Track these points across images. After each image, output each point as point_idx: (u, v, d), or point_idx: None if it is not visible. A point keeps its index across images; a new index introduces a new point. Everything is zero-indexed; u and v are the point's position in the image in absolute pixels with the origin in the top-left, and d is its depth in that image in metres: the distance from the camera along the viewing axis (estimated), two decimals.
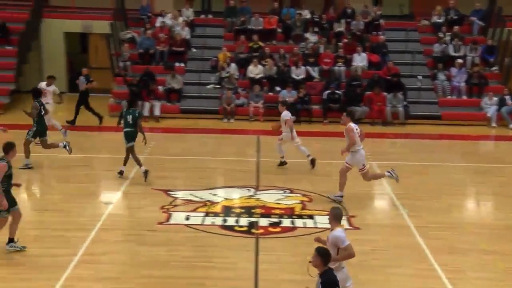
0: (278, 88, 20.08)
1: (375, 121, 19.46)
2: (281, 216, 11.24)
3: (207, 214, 11.23)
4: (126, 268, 9.04)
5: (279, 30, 22.30)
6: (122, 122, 13.18)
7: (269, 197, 12.22)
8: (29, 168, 13.43)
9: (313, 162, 13.90)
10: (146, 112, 18.90)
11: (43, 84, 16.38)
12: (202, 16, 23.12)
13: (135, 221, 10.86)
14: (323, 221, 10.86)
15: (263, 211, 11.48)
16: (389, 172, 12.02)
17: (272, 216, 11.24)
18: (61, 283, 8.45)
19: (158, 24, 21.91)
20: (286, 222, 10.99)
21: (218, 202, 11.90)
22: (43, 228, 10.36)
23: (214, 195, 12.32)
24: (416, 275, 9.03)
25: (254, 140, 17.13)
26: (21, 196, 12.51)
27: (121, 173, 13.03)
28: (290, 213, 11.43)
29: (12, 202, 9.19)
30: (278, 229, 10.70)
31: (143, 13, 22.37)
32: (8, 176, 9.03)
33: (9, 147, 9.24)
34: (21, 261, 9.11)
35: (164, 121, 19.00)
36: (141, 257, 9.38)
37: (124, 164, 13.04)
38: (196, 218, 10.99)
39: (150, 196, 12.10)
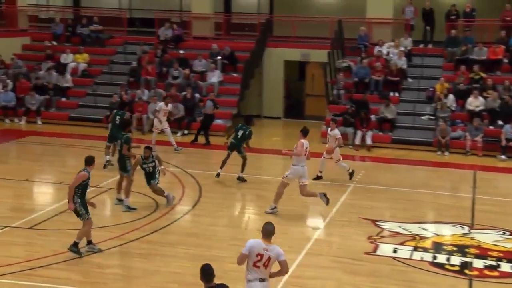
0: (500, 122, 18.77)
1: None
2: (499, 259, 10.41)
3: (416, 248, 10.83)
4: None
5: (505, 60, 20.89)
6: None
7: (486, 237, 11.41)
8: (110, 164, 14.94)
9: (351, 174, 14.90)
10: (357, 141, 18.95)
11: (162, 104, 17.49)
12: (421, 46, 22.62)
13: (341, 248, 10.85)
14: None
15: (478, 251, 10.75)
16: (321, 194, 12.37)
17: (489, 258, 10.46)
18: None
19: (375, 53, 21.94)
20: (506, 267, 10.14)
21: (428, 237, 11.42)
22: None
23: (424, 229, 11.84)
24: None
25: (469, 175, 16.17)
26: (237, 215, 13.31)
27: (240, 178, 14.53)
28: (510, 257, 10.52)
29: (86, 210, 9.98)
30: (495, 273, 9.92)
31: (360, 42, 22.58)
32: (85, 185, 9.86)
33: (92, 160, 10.05)
34: (232, 276, 9.60)
35: (375, 150, 18.84)
36: (345, 286, 9.34)
37: (221, 167, 14.48)
38: (404, 252, 10.66)
39: (358, 224, 12.04)
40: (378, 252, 10.66)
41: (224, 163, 14.60)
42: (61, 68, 22.61)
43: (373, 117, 19.55)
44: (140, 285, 9.25)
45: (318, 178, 14.94)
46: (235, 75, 22.32)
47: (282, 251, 7.16)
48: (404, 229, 11.79)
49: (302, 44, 23.40)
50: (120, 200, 12.69)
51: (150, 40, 23.79)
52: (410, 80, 21.24)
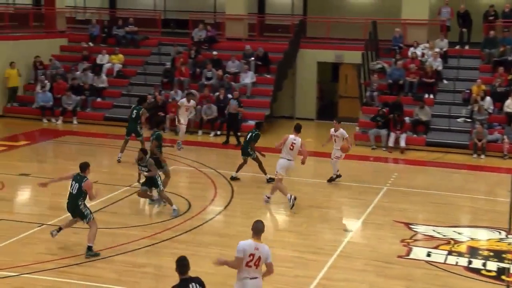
0: None
1: None
2: None
3: (450, 252, 10.67)
4: None
5: None
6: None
7: None
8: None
9: (336, 178, 14.66)
10: (391, 143, 18.76)
11: (184, 101, 17.92)
12: (457, 47, 22.29)
13: (374, 251, 10.75)
14: None
15: None
16: (290, 196, 12.53)
17: None
18: None
19: (409, 54, 21.71)
20: None
21: (463, 242, 11.24)
22: (286, 248, 10.80)
23: (459, 233, 11.65)
24: None
25: (507, 179, 15.87)
26: (269, 216, 13.30)
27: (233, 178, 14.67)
28: None
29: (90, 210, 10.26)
30: None
31: (395, 43, 22.37)
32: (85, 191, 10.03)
33: (87, 165, 10.22)
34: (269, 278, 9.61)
35: (408, 152, 18.63)
36: None
37: (236, 171, 14.69)
38: (438, 256, 10.51)
39: (391, 227, 11.92)
40: (411, 256, 10.54)
41: (240, 167, 14.67)
42: (97, 69, 22.97)
43: (407, 119, 19.34)
44: (172, 284, 9.29)
45: (335, 178, 14.79)
46: (268, 76, 22.33)
47: (270, 253, 7.34)
48: (438, 232, 11.62)
49: (335, 45, 23.28)
50: (153, 200, 12.83)
51: (184, 41, 23.98)
52: (445, 82, 20.95)
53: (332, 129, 14.66)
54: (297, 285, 9.31)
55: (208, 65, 22.12)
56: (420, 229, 11.84)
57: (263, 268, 7.37)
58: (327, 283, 9.43)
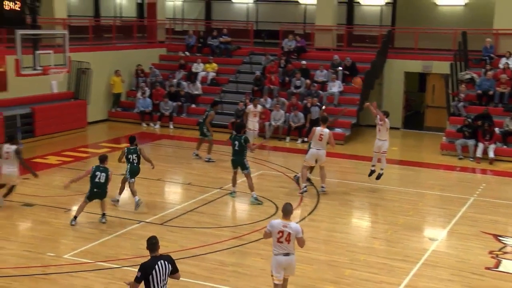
0: None
1: None
2: None
3: None
4: None
5: None
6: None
7: None
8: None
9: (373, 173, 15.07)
10: (479, 153, 18.47)
11: (251, 107, 19.00)
12: None
13: (460, 261, 10.71)
14: None
15: None
16: (304, 186, 14.12)
17: None
18: None
19: (500, 65, 21.27)
20: None
21: None
22: (371, 254, 11.00)
23: None
24: None
25: None
26: (354, 222, 13.54)
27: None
28: None
29: None
30: None
31: (485, 54, 21.99)
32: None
33: (106, 157, 11.98)
34: (348, 282, 9.90)
35: (498, 163, 18.26)
36: None
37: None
38: None
39: (478, 238, 11.82)
40: (500, 268, 10.41)
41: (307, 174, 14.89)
42: (192, 77, 24.05)
43: (497, 130, 18.98)
44: (260, 283, 9.64)
45: (372, 172, 15.11)
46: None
47: (300, 229, 8.12)
48: None
49: (423, 55, 23.15)
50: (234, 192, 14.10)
51: (274, 51, 24.59)
52: None
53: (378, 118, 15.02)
54: None
55: (297, 74, 22.61)
56: (510, 241, 11.67)
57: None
58: None
